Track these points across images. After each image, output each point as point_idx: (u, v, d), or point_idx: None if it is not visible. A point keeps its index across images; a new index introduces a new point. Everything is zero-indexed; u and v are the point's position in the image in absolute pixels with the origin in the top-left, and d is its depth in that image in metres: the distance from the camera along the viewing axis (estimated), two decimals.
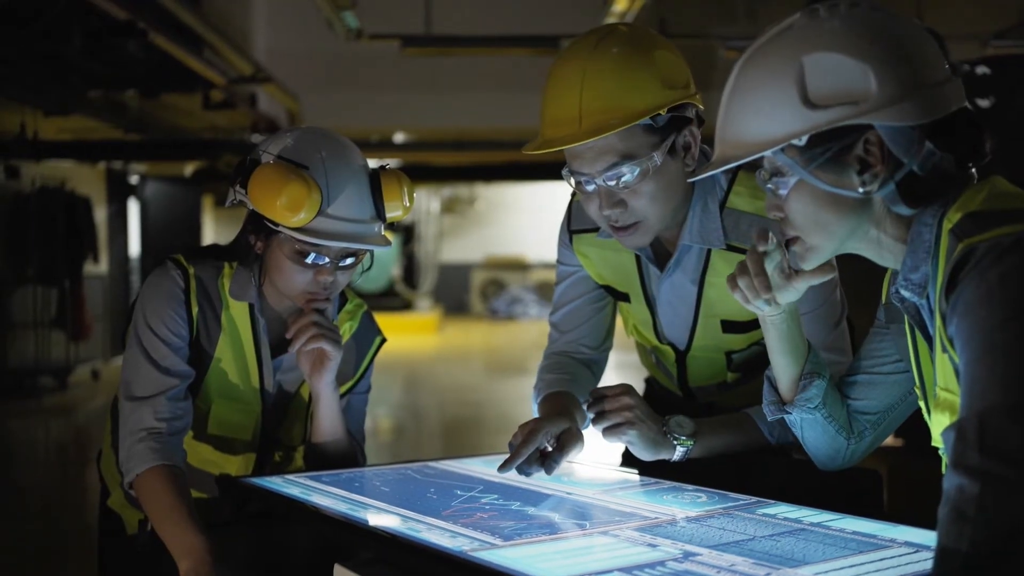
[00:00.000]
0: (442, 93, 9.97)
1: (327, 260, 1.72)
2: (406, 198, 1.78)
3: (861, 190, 1.22)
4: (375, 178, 1.76)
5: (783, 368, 1.48)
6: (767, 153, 1.25)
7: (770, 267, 1.39)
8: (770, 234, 1.39)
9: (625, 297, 1.86)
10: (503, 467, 1.59)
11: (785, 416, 1.51)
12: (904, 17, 1.24)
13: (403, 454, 6.44)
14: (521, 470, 1.60)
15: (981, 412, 1.01)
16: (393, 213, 1.77)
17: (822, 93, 1.20)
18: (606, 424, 1.65)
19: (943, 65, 1.22)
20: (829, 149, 1.21)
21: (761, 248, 1.38)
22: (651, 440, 1.65)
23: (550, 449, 1.64)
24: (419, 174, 11.19)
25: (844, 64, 1.19)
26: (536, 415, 1.78)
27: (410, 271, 17.69)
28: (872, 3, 1.25)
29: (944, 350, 1.16)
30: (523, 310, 17.44)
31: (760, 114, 1.24)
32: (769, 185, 1.28)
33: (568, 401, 1.77)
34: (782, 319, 1.44)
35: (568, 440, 1.65)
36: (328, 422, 1.82)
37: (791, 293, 1.40)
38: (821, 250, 1.29)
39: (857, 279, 1.76)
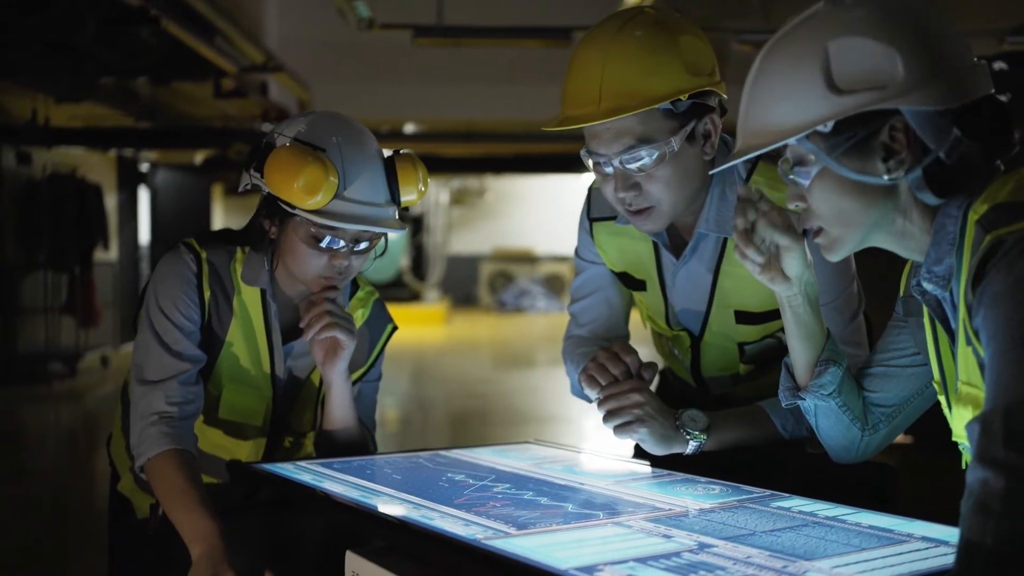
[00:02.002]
0: (453, 84, 9.96)
1: (342, 244, 1.72)
2: (421, 182, 1.78)
3: (886, 177, 1.20)
4: (390, 162, 1.76)
5: (799, 353, 1.47)
6: (791, 141, 1.23)
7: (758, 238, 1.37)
8: (753, 187, 1.38)
9: (641, 285, 1.85)
10: (602, 403, 1.63)
11: (799, 403, 1.50)
12: (928, 1, 1.22)
13: (410, 445, 6.43)
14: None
15: (1007, 405, 1.00)
16: (408, 197, 1.76)
17: (848, 78, 1.18)
18: (616, 422, 1.63)
19: (969, 51, 1.21)
20: (854, 135, 1.20)
21: (747, 216, 1.36)
22: (662, 436, 1.63)
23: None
24: (429, 165, 10.93)
25: (870, 48, 1.18)
26: (578, 387, 1.75)
27: (419, 262, 17.69)
28: None
29: (968, 343, 1.15)
30: (531, 303, 17.43)
31: (785, 101, 1.22)
32: (791, 175, 1.27)
33: None
34: (799, 302, 1.43)
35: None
36: (340, 410, 1.82)
37: (794, 261, 1.38)
38: (845, 241, 1.27)
39: (874, 274, 1.75)
